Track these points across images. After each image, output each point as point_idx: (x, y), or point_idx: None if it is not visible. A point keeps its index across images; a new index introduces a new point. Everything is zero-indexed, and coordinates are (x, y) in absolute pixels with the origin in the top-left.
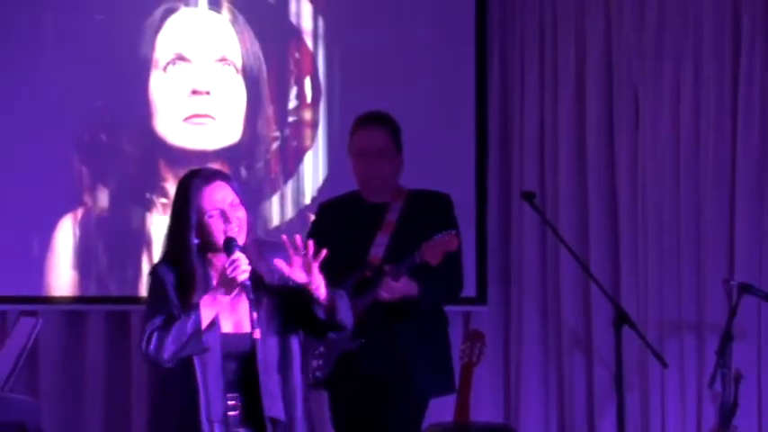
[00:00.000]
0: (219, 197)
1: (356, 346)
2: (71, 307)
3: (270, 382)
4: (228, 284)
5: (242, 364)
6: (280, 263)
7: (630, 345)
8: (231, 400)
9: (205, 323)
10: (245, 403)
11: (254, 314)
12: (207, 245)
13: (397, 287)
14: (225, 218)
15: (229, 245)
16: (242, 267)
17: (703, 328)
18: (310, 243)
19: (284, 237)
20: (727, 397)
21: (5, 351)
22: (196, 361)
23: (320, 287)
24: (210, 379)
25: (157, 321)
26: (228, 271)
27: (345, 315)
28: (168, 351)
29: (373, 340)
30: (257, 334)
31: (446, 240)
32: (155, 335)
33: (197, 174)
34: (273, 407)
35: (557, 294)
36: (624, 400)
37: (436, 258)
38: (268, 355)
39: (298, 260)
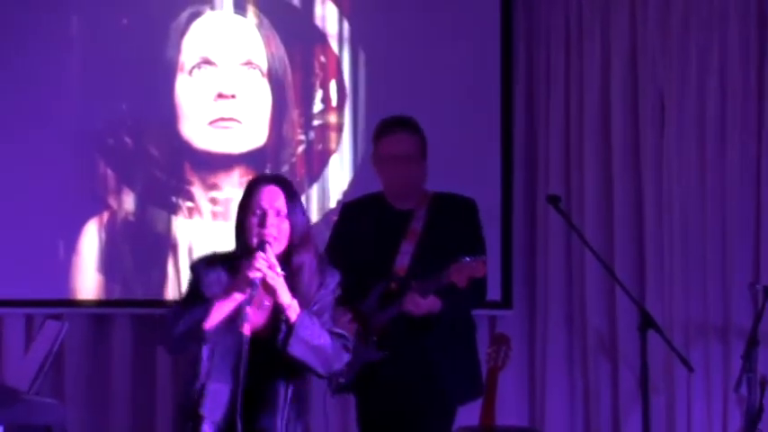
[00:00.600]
0: (266, 198)
1: (378, 358)
2: (96, 310)
3: (273, 394)
4: (240, 281)
5: (254, 366)
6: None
7: (656, 348)
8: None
9: (215, 317)
10: (249, 407)
11: (246, 309)
12: (245, 244)
13: (423, 303)
14: (262, 220)
15: (258, 246)
16: (257, 266)
17: (729, 332)
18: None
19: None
20: (753, 402)
21: (31, 354)
22: (204, 353)
23: (289, 309)
24: (214, 373)
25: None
26: (245, 268)
27: (304, 354)
28: (178, 331)
29: (399, 349)
30: (246, 329)
31: (474, 266)
32: (178, 313)
33: (261, 176)
34: (267, 420)
35: (582, 298)
36: (650, 404)
37: (463, 281)
38: (263, 362)
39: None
